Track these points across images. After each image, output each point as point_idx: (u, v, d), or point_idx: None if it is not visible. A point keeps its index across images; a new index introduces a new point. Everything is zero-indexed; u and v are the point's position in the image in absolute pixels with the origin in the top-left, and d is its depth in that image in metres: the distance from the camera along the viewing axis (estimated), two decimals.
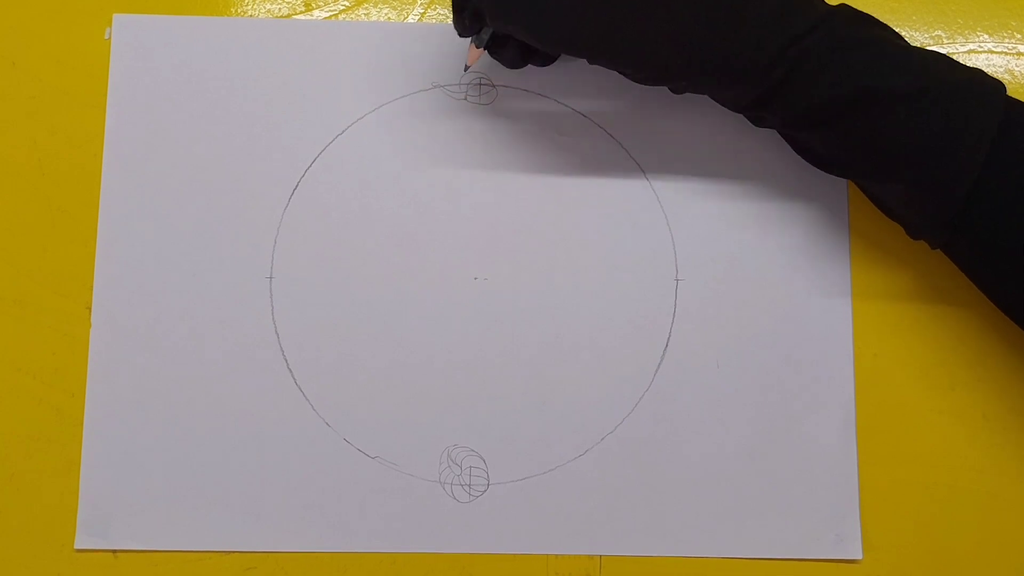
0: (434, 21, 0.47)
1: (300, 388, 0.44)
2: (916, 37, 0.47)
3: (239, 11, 0.47)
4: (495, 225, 0.45)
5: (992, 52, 0.47)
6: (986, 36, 0.47)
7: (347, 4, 0.47)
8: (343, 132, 0.46)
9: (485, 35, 0.41)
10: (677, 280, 0.45)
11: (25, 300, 0.45)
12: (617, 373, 0.45)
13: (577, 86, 0.46)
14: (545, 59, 0.42)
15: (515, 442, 0.44)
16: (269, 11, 0.47)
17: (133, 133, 0.46)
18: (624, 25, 0.38)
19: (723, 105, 0.41)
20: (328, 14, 0.47)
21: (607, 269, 0.45)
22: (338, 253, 0.45)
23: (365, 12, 0.47)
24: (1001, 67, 0.47)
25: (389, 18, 0.47)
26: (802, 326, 0.45)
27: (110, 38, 0.46)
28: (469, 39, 0.42)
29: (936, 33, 0.47)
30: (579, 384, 0.45)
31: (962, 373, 0.45)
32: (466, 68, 0.44)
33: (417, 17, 0.47)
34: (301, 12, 0.47)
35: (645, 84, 0.41)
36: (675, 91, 0.41)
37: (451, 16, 0.40)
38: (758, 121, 0.41)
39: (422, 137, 0.46)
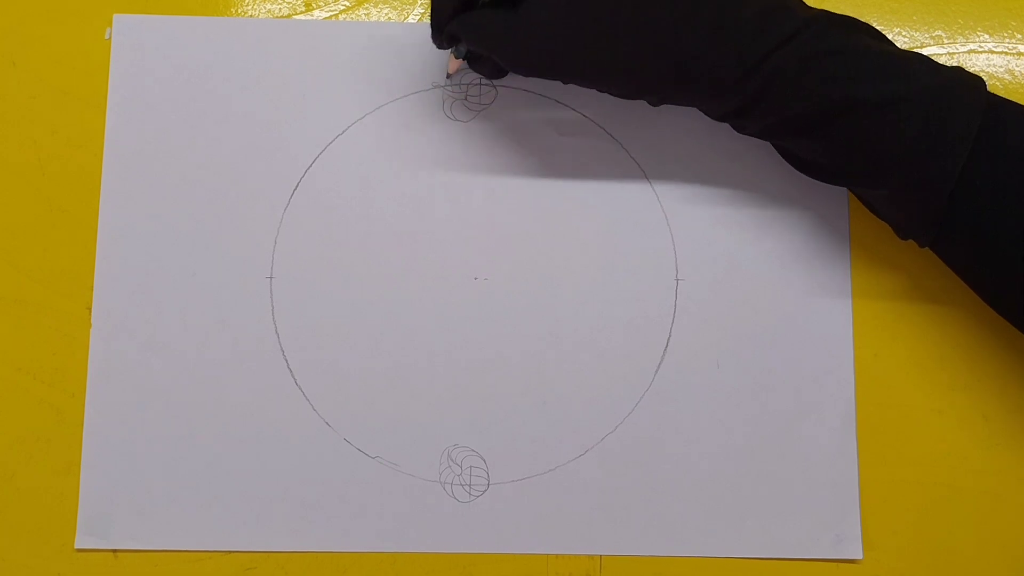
0: None
1: (300, 388, 0.44)
2: (916, 37, 0.47)
3: (239, 11, 0.47)
4: (495, 225, 0.45)
5: (992, 52, 0.47)
6: (986, 36, 0.47)
7: (347, 4, 0.47)
8: (343, 132, 0.46)
9: (463, 48, 0.42)
10: (677, 280, 0.45)
11: (25, 300, 0.45)
12: (617, 373, 0.45)
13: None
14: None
15: (515, 442, 0.44)
16: (269, 11, 0.47)
17: (133, 133, 0.46)
18: (597, 48, 0.38)
19: (704, 113, 0.41)
20: (328, 14, 0.47)
21: (607, 269, 0.45)
22: (338, 253, 0.45)
23: (365, 12, 0.47)
24: (1001, 67, 0.47)
25: (389, 18, 0.47)
26: (802, 326, 0.45)
27: (110, 38, 0.46)
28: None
29: (936, 33, 0.47)
30: (579, 384, 0.45)
31: (962, 373, 0.45)
32: (448, 76, 0.45)
33: (417, 17, 0.47)
34: (301, 12, 0.47)
35: (622, 98, 0.41)
36: (652, 104, 0.41)
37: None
38: (740, 129, 0.41)
39: (422, 137, 0.46)
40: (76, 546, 0.43)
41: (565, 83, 0.41)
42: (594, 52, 0.38)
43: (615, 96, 0.41)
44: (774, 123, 0.39)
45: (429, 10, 0.41)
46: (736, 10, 0.38)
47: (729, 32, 0.37)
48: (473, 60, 0.43)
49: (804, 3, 0.39)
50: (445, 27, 0.40)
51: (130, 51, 0.46)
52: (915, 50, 0.47)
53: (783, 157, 0.43)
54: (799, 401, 0.44)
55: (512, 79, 0.46)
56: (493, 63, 0.42)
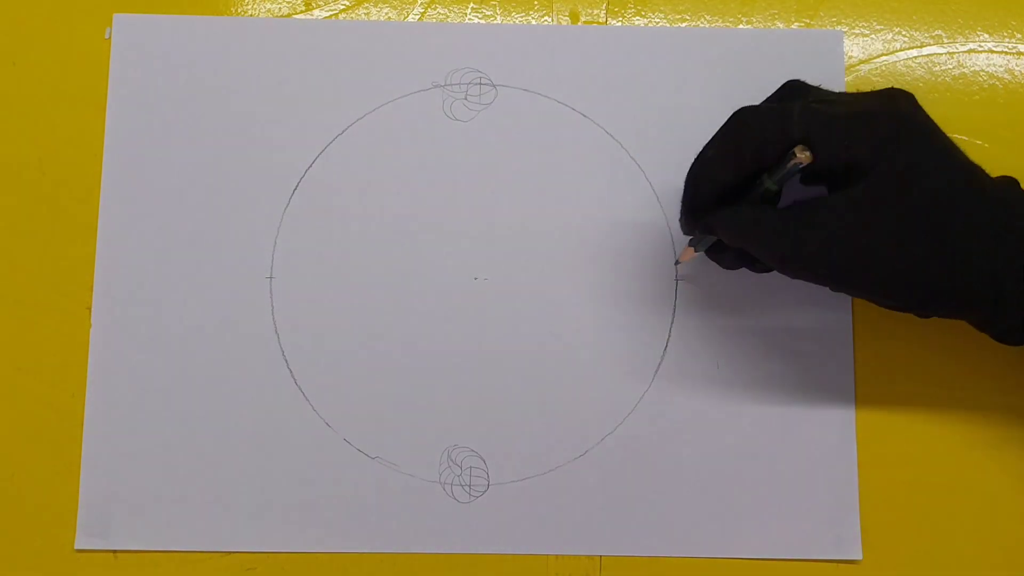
0: (434, 21, 0.47)
1: (300, 388, 0.44)
2: (916, 37, 0.47)
3: (239, 11, 0.47)
4: (495, 225, 0.45)
5: (992, 52, 0.47)
6: (986, 36, 0.47)
7: (347, 4, 0.47)
8: (343, 132, 0.46)
9: (707, 243, 0.41)
10: (677, 280, 0.45)
11: (25, 300, 0.45)
12: (617, 373, 0.45)
13: (577, 86, 0.46)
14: (766, 268, 0.41)
15: (515, 442, 0.44)
16: (269, 11, 0.47)
17: (133, 133, 0.46)
18: (888, 261, 0.36)
19: (978, 328, 0.39)
20: (328, 14, 0.47)
21: (607, 269, 0.45)
22: (338, 253, 0.45)
23: (365, 12, 0.47)
24: (1001, 67, 0.47)
25: (389, 18, 0.47)
26: (802, 326, 0.45)
27: (110, 38, 0.46)
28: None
29: (936, 33, 0.47)
30: (579, 384, 0.45)
31: (962, 373, 0.45)
32: (677, 263, 0.45)
33: (417, 17, 0.47)
34: (301, 12, 0.47)
35: (888, 309, 0.39)
36: (922, 316, 0.40)
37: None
38: (1007, 341, 0.39)
39: (422, 137, 0.46)
40: (76, 546, 0.43)
41: (835, 290, 0.39)
42: (885, 264, 0.36)
43: (882, 307, 0.39)
44: None
45: (682, 196, 0.39)
46: (1014, 230, 0.37)
47: (1012, 254, 0.36)
48: (712, 252, 0.41)
49: None
50: (703, 218, 0.39)
51: (130, 51, 0.46)
52: (915, 50, 0.47)
53: None
54: (799, 401, 0.44)
55: (512, 79, 0.46)
56: (735, 254, 0.40)
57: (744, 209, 0.38)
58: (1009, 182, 0.38)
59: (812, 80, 0.41)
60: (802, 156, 0.36)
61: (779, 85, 0.41)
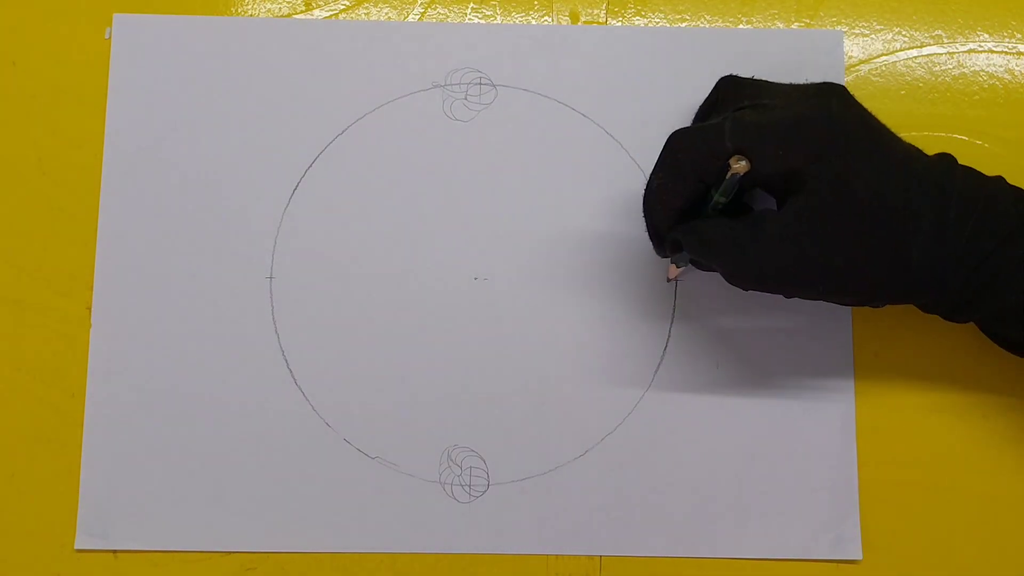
0: (434, 21, 0.47)
1: (300, 388, 0.44)
2: (916, 37, 0.47)
3: (239, 11, 0.47)
4: (495, 225, 0.45)
5: (992, 52, 0.47)
6: (986, 36, 0.47)
7: (347, 3, 0.47)
8: (343, 132, 0.46)
9: (685, 258, 0.41)
10: (677, 280, 0.45)
11: (25, 300, 0.45)
12: (617, 373, 0.45)
13: (577, 86, 0.46)
14: None
15: (515, 442, 0.44)
16: (269, 11, 0.47)
17: (133, 133, 0.46)
18: (835, 264, 0.37)
19: (925, 311, 0.40)
20: (328, 13, 0.47)
21: (606, 269, 0.45)
22: (338, 253, 0.45)
23: (365, 11, 0.47)
24: (1001, 67, 0.47)
25: (389, 17, 0.47)
26: (802, 326, 0.45)
27: (110, 38, 0.46)
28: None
29: (936, 33, 0.47)
30: (579, 384, 0.45)
31: (962, 373, 0.45)
32: (668, 280, 0.45)
33: (417, 16, 0.47)
34: (301, 12, 0.47)
35: (844, 306, 0.41)
36: (874, 307, 0.41)
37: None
38: (953, 320, 0.40)
39: (422, 137, 0.46)
40: (76, 546, 0.43)
41: (789, 296, 0.40)
42: (827, 271, 0.37)
43: (837, 304, 0.41)
44: (991, 317, 0.39)
45: (644, 220, 0.40)
46: (950, 212, 0.37)
47: (950, 237, 0.37)
48: (696, 261, 0.41)
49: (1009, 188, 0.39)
50: (667, 235, 0.40)
51: (130, 51, 0.46)
52: (915, 50, 0.47)
53: (987, 335, 0.42)
54: (799, 401, 0.44)
55: (512, 79, 0.46)
56: None
57: (697, 225, 0.39)
58: (945, 163, 0.38)
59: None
60: (738, 167, 0.37)
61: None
